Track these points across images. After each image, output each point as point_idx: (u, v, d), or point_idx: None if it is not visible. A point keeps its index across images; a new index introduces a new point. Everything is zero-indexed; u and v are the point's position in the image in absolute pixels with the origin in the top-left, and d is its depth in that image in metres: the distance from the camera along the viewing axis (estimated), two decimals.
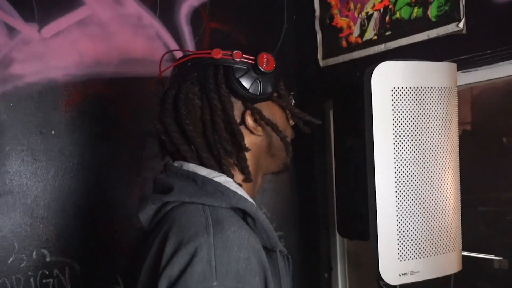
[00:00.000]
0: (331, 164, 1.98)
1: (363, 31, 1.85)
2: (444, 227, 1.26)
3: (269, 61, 1.11)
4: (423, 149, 1.22)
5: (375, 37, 1.81)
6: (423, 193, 1.22)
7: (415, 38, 1.66)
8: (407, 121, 1.21)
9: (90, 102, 1.81)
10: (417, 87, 1.21)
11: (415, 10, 1.66)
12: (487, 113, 1.91)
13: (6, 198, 1.68)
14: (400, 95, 1.20)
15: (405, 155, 1.21)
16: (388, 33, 1.76)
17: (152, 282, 0.97)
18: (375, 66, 1.20)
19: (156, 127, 1.15)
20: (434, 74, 1.24)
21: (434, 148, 1.23)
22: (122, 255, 1.83)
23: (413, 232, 1.22)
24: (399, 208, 1.21)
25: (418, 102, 1.21)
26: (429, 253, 1.24)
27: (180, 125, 1.12)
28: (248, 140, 1.13)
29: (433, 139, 1.23)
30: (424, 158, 1.22)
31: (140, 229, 1.18)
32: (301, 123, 1.23)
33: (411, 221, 1.21)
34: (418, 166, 1.22)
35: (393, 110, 1.20)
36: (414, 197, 1.21)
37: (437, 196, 1.24)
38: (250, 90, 1.10)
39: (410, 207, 1.21)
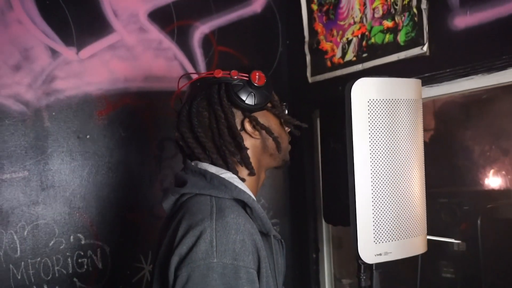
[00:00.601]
0: (318, 163, 1.98)
1: (344, 53, 1.85)
2: (412, 215, 1.25)
3: (261, 77, 1.13)
4: (394, 150, 1.21)
5: (354, 58, 1.80)
6: (394, 187, 1.22)
7: (387, 59, 1.66)
8: (381, 127, 1.20)
9: (119, 112, 1.81)
10: (389, 99, 1.21)
11: (387, 36, 1.65)
12: (447, 121, 1.90)
13: (49, 191, 1.68)
14: (375, 105, 1.20)
15: (379, 155, 1.20)
16: (365, 55, 1.75)
17: (167, 259, 0.99)
18: (354, 82, 1.19)
19: (175, 135, 1.18)
20: (403, 88, 1.24)
21: (403, 150, 1.22)
22: (144, 238, 1.83)
23: (386, 219, 1.21)
24: (374, 199, 1.20)
25: (389, 111, 1.21)
26: (399, 237, 1.23)
27: (193, 133, 1.14)
28: (248, 142, 1.14)
29: (402, 142, 1.22)
30: (395, 158, 1.22)
31: (165, 217, 1.19)
32: (292, 128, 1.24)
33: (384, 210, 1.21)
34: (390, 164, 1.21)
35: (369, 118, 1.19)
36: (386, 190, 1.21)
37: (406, 189, 1.23)
38: (246, 102, 1.12)
39: (384, 198, 1.21)
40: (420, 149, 1.28)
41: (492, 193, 1.71)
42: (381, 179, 1.20)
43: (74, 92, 1.73)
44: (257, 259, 0.99)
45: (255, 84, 1.11)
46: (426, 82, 1.51)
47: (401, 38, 1.60)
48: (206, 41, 1.99)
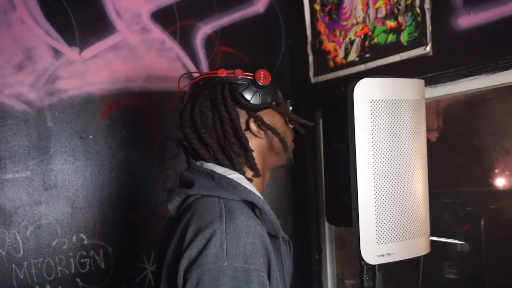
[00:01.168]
0: (321, 164, 1.98)
1: (347, 53, 1.84)
2: (415, 216, 1.24)
3: (266, 76, 1.11)
4: (397, 150, 1.21)
5: (357, 59, 1.80)
6: (397, 187, 1.21)
7: (390, 59, 1.65)
8: (383, 128, 1.19)
9: (121, 112, 1.81)
10: (392, 100, 1.20)
11: (390, 36, 1.65)
12: (450, 122, 1.90)
13: (51, 191, 1.68)
14: (378, 106, 1.19)
15: (381, 155, 1.19)
16: (367, 55, 1.75)
17: (175, 261, 0.97)
18: (357, 82, 1.19)
19: (178, 136, 1.16)
20: (406, 89, 1.23)
21: (406, 150, 1.22)
22: (147, 238, 1.82)
23: (389, 220, 1.20)
24: (377, 200, 1.19)
25: (392, 112, 1.20)
26: (402, 238, 1.22)
27: (197, 133, 1.12)
28: (253, 142, 1.13)
29: (405, 142, 1.22)
30: (397, 158, 1.21)
31: (169, 217, 1.18)
32: (297, 125, 1.23)
33: (387, 210, 1.20)
34: (393, 165, 1.20)
35: (371, 118, 1.19)
36: (389, 190, 1.20)
37: (409, 190, 1.23)
38: (251, 101, 1.10)
39: (386, 199, 1.20)
40: (423, 149, 1.28)
41: (496, 193, 1.70)
42: (384, 179, 1.20)
43: (77, 92, 1.73)
44: (268, 261, 0.97)
45: (260, 84, 1.09)
46: (429, 82, 1.50)
47: (404, 38, 1.59)
48: (209, 41, 1.98)
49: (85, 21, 1.74)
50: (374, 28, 1.71)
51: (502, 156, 1.71)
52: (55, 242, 1.67)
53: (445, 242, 1.69)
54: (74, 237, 1.70)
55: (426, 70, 1.52)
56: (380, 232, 1.20)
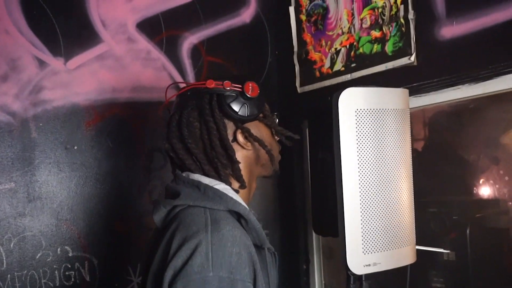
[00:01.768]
0: (308, 173, 1.97)
1: (333, 63, 1.85)
2: (401, 225, 1.24)
3: (254, 88, 1.12)
4: (382, 160, 1.21)
5: (343, 68, 1.81)
6: (383, 197, 1.21)
7: (375, 69, 1.66)
8: (369, 137, 1.19)
9: (107, 122, 1.79)
10: (377, 109, 1.20)
11: (375, 46, 1.66)
12: (435, 131, 1.91)
13: (36, 203, 1.66)
14: (363, 115, 1.19)
15: (367, 165, 1.19)
16: (353, 65, 1.76)
17: (161, 272, 0.97)
18: (341, 91, 1.19)
19: (165, 146, 1.16)
20: (390, 98, 1.24)
21: (391, 159, 1.22)
22: (133, 250, 1.80)
23: (375, 229, 1.20)
24: (362, 210, 1.19)
25: (377, 121, 1.20)
26: (388, 247, 1.22)
27: (184, 143, 1.13)
28: (240, 153, 1.13)
29: (390, 151, 1.22)
30: (383, 168, 1.21)
31: (155, 229, 1.17)
32: (283, 138, 1.24)
33: (373, 220, 1.20)
34: (378, 174, 1.20)
35: (356, 127, 1.19)
36: (375, 200, 1.20)
37: (394, 199, 1.23)
38: (239, 113, 1.11)
39: (372, 208, 1.20)
40: (408, 158, 1.28)
41: (481, 202, 1.71)
42: (369, 189, 1.20)
43: (62, 103, 1.72)
44: (253, 272, 0.97)
45: (248, 95, 1.10)
46: (413, 92, 1.51)
47: (388, 48, 1.60)
48: (195, 51, 1.98)
49: (71, 31, 1.74)
50: (360, 38, 1.72)
51: (487, 165, 1.72)
52: (39, 255, 1.65)
53: (431, 251, 1.69)
54: (59, 249, 1.68)
55: (410, 80, 1.54)
56: (366, 241, 1.19)
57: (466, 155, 1.78)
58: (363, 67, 1.71)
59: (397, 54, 1.58)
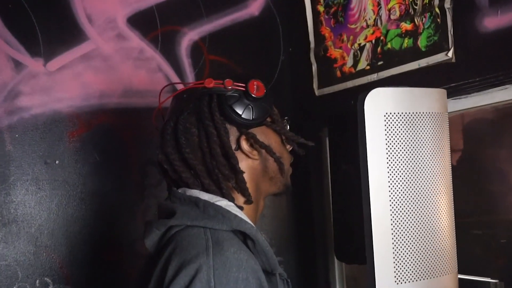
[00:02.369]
0: (328, 190, 1.96)
1: (356, 61, 1.85)
2: (440, 250, 1.23)
3: (259, 88, 1.11)
4: (417, 173, 1.20)
5: (368, 67, 1.80)
6: (418, 216, 1.20)
7: (406, 67, 1.66)
8: (400, 146, 1.19)
9: (94, 133, 1.80)
10: (409, 113, 1.20)
11: (406, 40, 1.66)
12: (477, 140, 1.90)
13: (11, 227, 1.66)
14: (393, 120, 1.19)
15: (399, 179, 1.19)
16: (380, 63, 1.75)
17: None
18: (368, 93, 1.19)
19: (158, 157, 1.15)
20: (425, 100, 1.23)
21: (427, 172, 1.21)
22: (124, 282, 1.80)
23: (409, 255, 1.19)
24: (394, 232, 1.18)
25: (410, 127, 1.20)
26: (425, 276, 1.21)
27: (180, 154, 1.12)
28: (245, 164, 1.13)
29: (426, 162, 1.21)
30: (418, 182, 1.20)
31: (147, 255, 1.17)
32: (296, 146, 1.23)
33: (406, 244, 1.19)
34: (412, 189, 1.20)
35: (386, 135, 1.18)
36: (409, 220, 1.19)
37: (432, 219, 1.22)
38: (243, 116, 1.10)
39: (406, 230, 1.19)
40: (448, 171, 1.27)
41: None
42: (402, 207, 1.19)
43: (41, 110, 1.73)
44: None
45: (253, 96, 1.10)
46: (452, 93, 1.51)
47: (421, 42, 1.60)
48: (196, 49, 1.99)
49: (51, 28, 1.75)
50: (387, 31, 1.72)
51: None
52: None
53: (475, 280, 1.67)
54: (38, 281, 1.68)
55: (448, 80, 1.53)
56: (398, 269, 1.18)
57: None
58: (392, 65, 1.70)
59: (431, 50, 1.57)
